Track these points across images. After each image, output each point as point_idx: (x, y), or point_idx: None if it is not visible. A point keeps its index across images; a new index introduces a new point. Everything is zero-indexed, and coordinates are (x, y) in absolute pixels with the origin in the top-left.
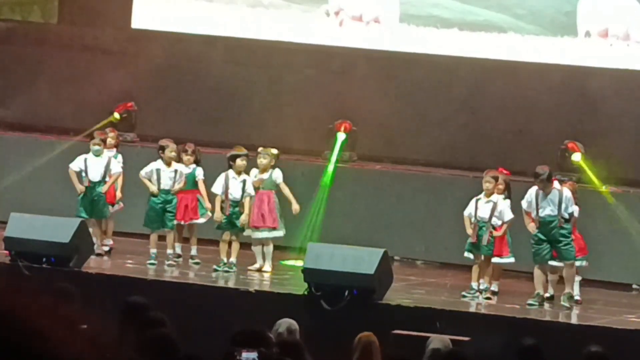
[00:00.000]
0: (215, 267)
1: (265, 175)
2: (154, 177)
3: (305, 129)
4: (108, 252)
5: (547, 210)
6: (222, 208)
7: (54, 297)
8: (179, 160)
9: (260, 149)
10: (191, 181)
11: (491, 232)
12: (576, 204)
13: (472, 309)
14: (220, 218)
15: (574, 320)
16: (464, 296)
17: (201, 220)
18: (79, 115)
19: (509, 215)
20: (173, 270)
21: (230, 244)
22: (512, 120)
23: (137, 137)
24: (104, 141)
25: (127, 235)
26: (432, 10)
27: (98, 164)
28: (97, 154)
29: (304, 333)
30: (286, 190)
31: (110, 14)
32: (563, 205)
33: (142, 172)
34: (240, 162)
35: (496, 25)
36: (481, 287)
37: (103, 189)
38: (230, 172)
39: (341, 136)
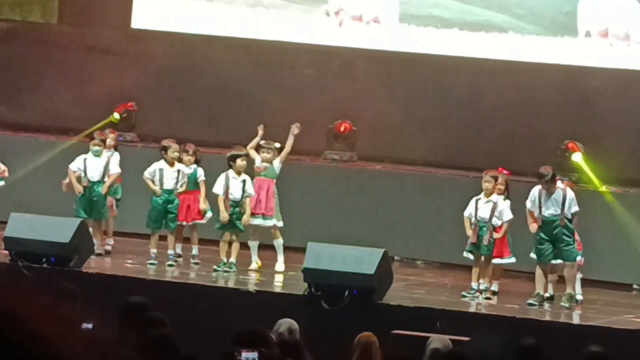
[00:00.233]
0: (215, 267)
1: (266, 166)
2: (157, 177)
3: (305, 129)
4: (108, 252)
5: (550, 210)
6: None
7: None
8: (180, 160)
9: (262, 142)
10: (192, 181)
11: (491, 233)
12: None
13: (472, 309)
14: (226, 218)
15: (574, 320)
16: (464, 296)
17: (202, 220)
18: (79, 115)
19: (508, 215)
20: (173, 271)
21: (230, 244)
22: (512, 120)
23: (137, 137)
24: (103, 141)
25: (127, 235)
26: (432, 10)
27: (97, 164)
28: (97, 154)
29: (304, 333)
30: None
31: (110, 14)
32: (566, 205)
33: (146, 173)
34: (240, 162)
35: (496, 25)
36: (481, 287)
37: (102, 189)
38: (231, 172)
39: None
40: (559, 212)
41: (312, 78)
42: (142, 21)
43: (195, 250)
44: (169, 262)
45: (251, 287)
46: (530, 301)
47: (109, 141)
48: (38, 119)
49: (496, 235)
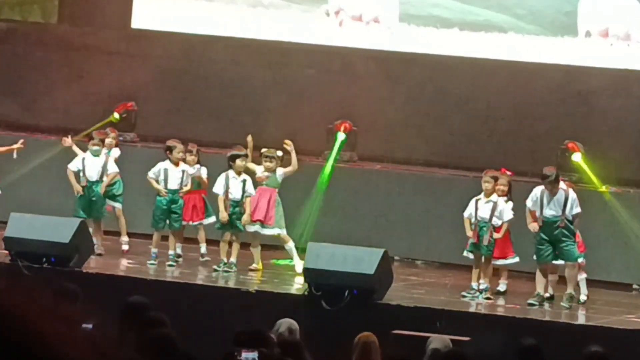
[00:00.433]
0: (215, 267)
1: (270, 174)
2: (162, 176)
3: (305, 129)
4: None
5: (552, 211)
6: (224, 208)
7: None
8: (184, 160)
9: (264, 151)
10: (196, 181)
11: (491, 233)
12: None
13: (472, 309)
14: (225, 218)
15: (574, 320)
16: (464, 296)
17: (207, 222)
18: (79, 115)
19: (508, 215)
20: (173, 270)
21: (230, 244)
22: (512, 120)
23: (137, 137)
24: (102, 141)
25: (128, 235)
26: (432, 10)
27: (96, 163)
28: (96, 154)
29: (304, 333)
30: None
31: (110, 14)
32: (568, 207)
33: (150, 173)
34: (239, 162)
35: (496, 25)
36: (481, 287)
37: (100, 189)
38: (231, 172)
39: (341, 136)
40: (560, 213)
41: (312, 78)
42: (142, 21)
43: (203, 248)
44: (169, 262)
45: (251, 287)
46: (530, 301)
47: (110, 140)
48: (38, 119)
49: (496, 236)
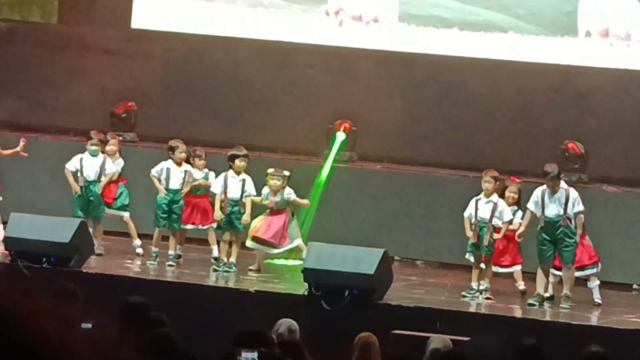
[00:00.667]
0: (215, 267)
1: (277, 197)
2: (164, 175)
3: (305, 129)
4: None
5: (554, 210)
6: (221, 208)
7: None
8: (188, 161)
9: (270, 170)
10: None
11: (492, 234)
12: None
13: (472, 309)
14: (219, 217)
15: (574, 320)
16: (464, 296)
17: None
18: (79, 115)
19: (508, 215)
20: (173, 270)
21: (230, 244)
22: (512, 120)
23: (137, 137)
24: (101, 141)
25: (128, 235)
26: (432, 10)
27: (94, 163)
28: (94, 154)
29: (304, 333)
30: (297, 200)
31: (110, 14)
32: (570, 205)
33: (153, 171)
34: (238, 162)
35: (496, 25)
36: (481, 287)
37: (98, 189)
38: (230, 172)
39: (341, 136)
40: (561, 212)
41: (312, 78)
42: (142, 21)
43: (215, 251)
44: (169, 263)
45: (251, 287)
46: (530, 301)
47: (111, 147)
48: (38, 119)
49: (496, 236)
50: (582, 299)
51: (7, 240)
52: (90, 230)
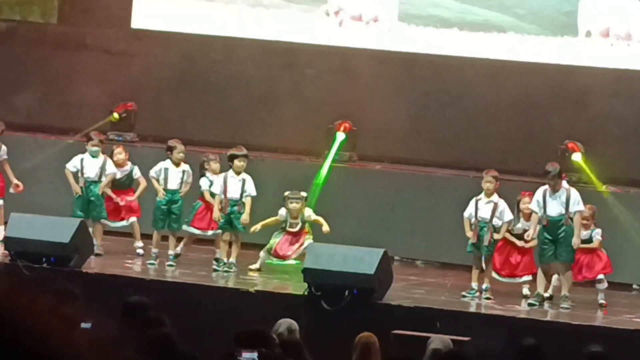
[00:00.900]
0: (215, 267)
1: (298, 222)
2: (162, 176)
3: (305, 129)
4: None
5: (556, 210)
6: (221, 208)
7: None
8: (183, 160)
9: (287, 193)
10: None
11: (492, 234)
12: (595, 225)
13: (472, 309)
14: (218, 217)
15: (574, 320)
16: (464, 296)
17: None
18: (79, 115)
19: (509, 215)
20: (173, 271)
21: (230, 244)
22: (512, 120)
23: (137, 137)
24: (102, 142)
25: (127, 235)
26: (432, 10)
27: (94, 164)
28: (95, 154)
29: (304, 333)
30: (318, 219)
31: (110, 14)
32: (571, 204)
33: (152, 172)
34: (238, 162)
35: (496, 25)
36: (482, 287)
37: (99, 190)
38: (230, 172)
39: (340, 136)
40: (563, 211)
41: (312, 78)
42: (142, 21)
43: (219, 254)
44: (169, 263)
45: (251, 287)
46: (530, 301)
47: (118, 157)
48: (38, 118)
49: (496, 236)
50: (582, 299)
51: (7, 240)
52: (90, 230)
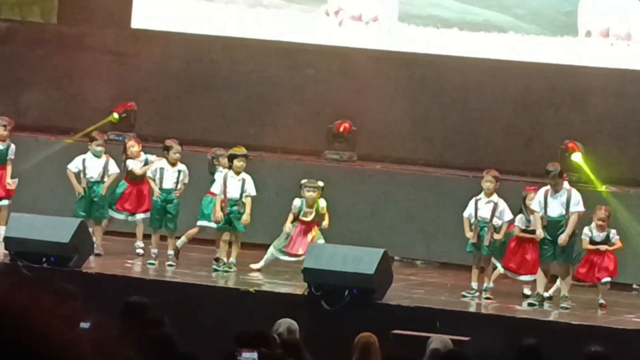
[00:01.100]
0: (215, 267)
1: (312, 211)
2: (157, 176)
3: (305, 129)
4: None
5: (557, 210)
6: (221, 208)
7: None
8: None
9: (304, 182)
10: None
11: (492, 234)
12: (608, 226)
13: (472, 309)
14: (219, 218)
15: (574, 320)
16: (464, 296)
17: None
18: (79, 115)
19: (509, 215)
20: (173, 270)
21: (230, 244)
22: (512, 120)
23: (136, 137)
24: (106, 142)
25: (127, 235)
26: (432, 10)
27: (96, 164)
28: (99, 154)
29: (304, 333)
30: (326, 213)
31: (110, 14)
32: (571, 205)
33: (149, 172)
34: (237, 162)
35: (496, 25)
36: (483, 287)
37: (102, 190)
38: (230, 172)
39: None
40: (564, 212)
41: (312, 78)
42: (142, 21)
43: (219, 254)
44: (169, 262)
45: (251, 287)
46: (530, 301)
47: (132, 150)
48: (38, 119)
49: (496, 236)
50: (582, 299)
51: (7, 240)
52: (91, 230)
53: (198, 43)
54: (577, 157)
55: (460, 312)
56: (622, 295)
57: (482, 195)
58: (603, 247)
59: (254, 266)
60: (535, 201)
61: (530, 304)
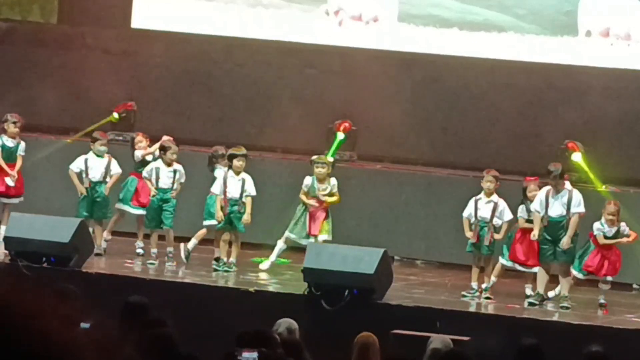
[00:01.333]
0: (215, 267)
1: (326, 187)
2: (153, 175)
3: (305, 129)
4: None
5: (557, 210)
6: (221, 207)
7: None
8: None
9: (314, 158)
10: None
11: (492, 233)
12: (618, 221)
13: (472, 309)
14: (220, 218)
15: (574, 320)
16: (464, 296)
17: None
18: (79, 115)
19: (509, 215)
20: (173, 270)
21: (230, 243)
22: (512, 120)
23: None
24: (109, 142)
25: (127, 235)
26: (432, 10)
27: (99, 164)
28: (102, 154)
29: (304, 333)
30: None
31: (110, 14)
32: (572, 205)
33: (144, 173)
34: (237, 162)
35: (496, 25)
36: (483, 286)
37: (105, 190)
38: (230, 172)
39: (340, 136)
40: (564, 213)
41: (312, 78)
42: (142, 21)
43: (218, 254)
44: (168, 263)
45: (251, 287)
46: (530, 301)
47: (140, 144)
48: (38, 118)
49: (496, 236)
50: (582, 299)
51: (7, 240)
52: (91, 229)
53: (198, 43)
54: (577, 157)
55: (460, 312)
56: (622, 295)
57: (482, 195)
58: (624, 240)
59: (262, 267)
60: (536, 201)
61: (530, 304)
